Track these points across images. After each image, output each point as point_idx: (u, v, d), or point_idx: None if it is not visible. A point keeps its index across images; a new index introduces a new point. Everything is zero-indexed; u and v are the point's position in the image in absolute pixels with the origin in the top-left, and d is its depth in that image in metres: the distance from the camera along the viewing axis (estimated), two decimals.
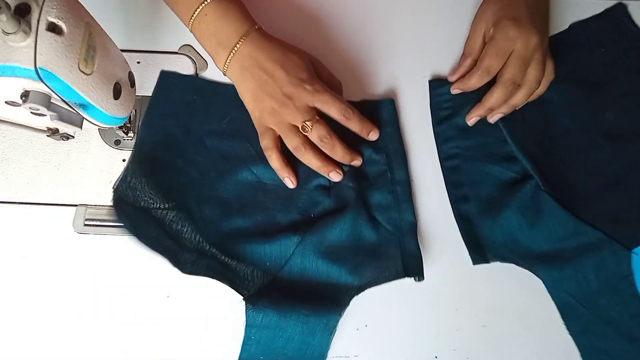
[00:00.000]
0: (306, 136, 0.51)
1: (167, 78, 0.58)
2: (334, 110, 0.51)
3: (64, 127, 0.47)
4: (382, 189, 0.55)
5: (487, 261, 0.53)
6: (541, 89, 0.56)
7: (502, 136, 0.56)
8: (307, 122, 0.50)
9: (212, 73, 0.60)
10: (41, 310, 0.51)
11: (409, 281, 0.52)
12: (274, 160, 0.52)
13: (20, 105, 0.40)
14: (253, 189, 0.55)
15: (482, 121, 0.57)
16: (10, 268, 0.52)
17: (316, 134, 0.50)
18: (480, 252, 0.54)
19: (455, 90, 0.57)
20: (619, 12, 0.62)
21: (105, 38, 0.45)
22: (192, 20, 0.52)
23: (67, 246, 0.53)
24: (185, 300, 0.52)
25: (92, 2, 0.44)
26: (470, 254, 0.54)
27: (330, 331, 0.50)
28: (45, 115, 0.42)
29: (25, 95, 0.39)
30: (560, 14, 0.62)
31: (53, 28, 0.38)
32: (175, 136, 0.56)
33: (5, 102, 0.41)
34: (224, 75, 0.53)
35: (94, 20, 0.44)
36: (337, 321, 0.51)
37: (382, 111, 0.58)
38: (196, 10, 0.51)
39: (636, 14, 0.62)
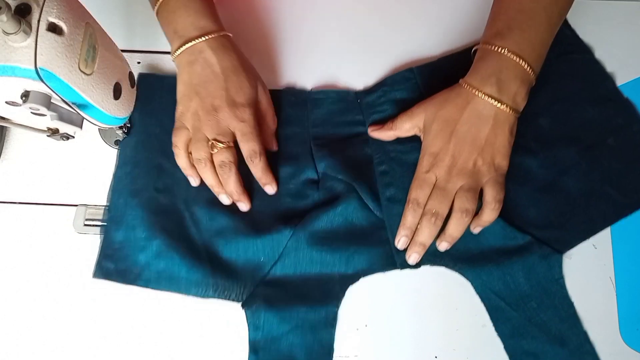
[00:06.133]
0: (212, 153, 0.50)
1: (146, 80, 0.57)
2: (245, 147, 0.50)
3: (64, 127, 0.47)
4: (370, 178, 0.55)
5: (417, 266, 0.52)
6: (487, 217, 0.50)
7: None
8: (218, 142, 0.49)
9: None
10: (41, 310, 0.51)
11: (408, 280, 0.53)
12: (181, 159, 0.51)
13: (20, 105, 0.40)
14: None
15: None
16: (10, 268, 0.52)
17: (220, 157, 0.50)
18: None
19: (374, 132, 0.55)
20: None
21: (106, 38, 0.45)
22: (156, 7, 0.51)
23: (67, 246, 0.53)
24: (187, 301, 0.51)
25: (92, 2, 0.44)
26: (396, 258, 0.52)
27: (331, 324, 0.51)
28: (45, 115, 0.42)
29: (25, 95, 0.39)
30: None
31: (53, 28, 0.38)
32: (158, 136, 0.55)
33: (6, 102, 0.41)
34: (172, 61, 0.52)
35: (94, 20, 0.44)
36: (336, 313, 0.51)
37: None
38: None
39: (590, 15, 0.61)
